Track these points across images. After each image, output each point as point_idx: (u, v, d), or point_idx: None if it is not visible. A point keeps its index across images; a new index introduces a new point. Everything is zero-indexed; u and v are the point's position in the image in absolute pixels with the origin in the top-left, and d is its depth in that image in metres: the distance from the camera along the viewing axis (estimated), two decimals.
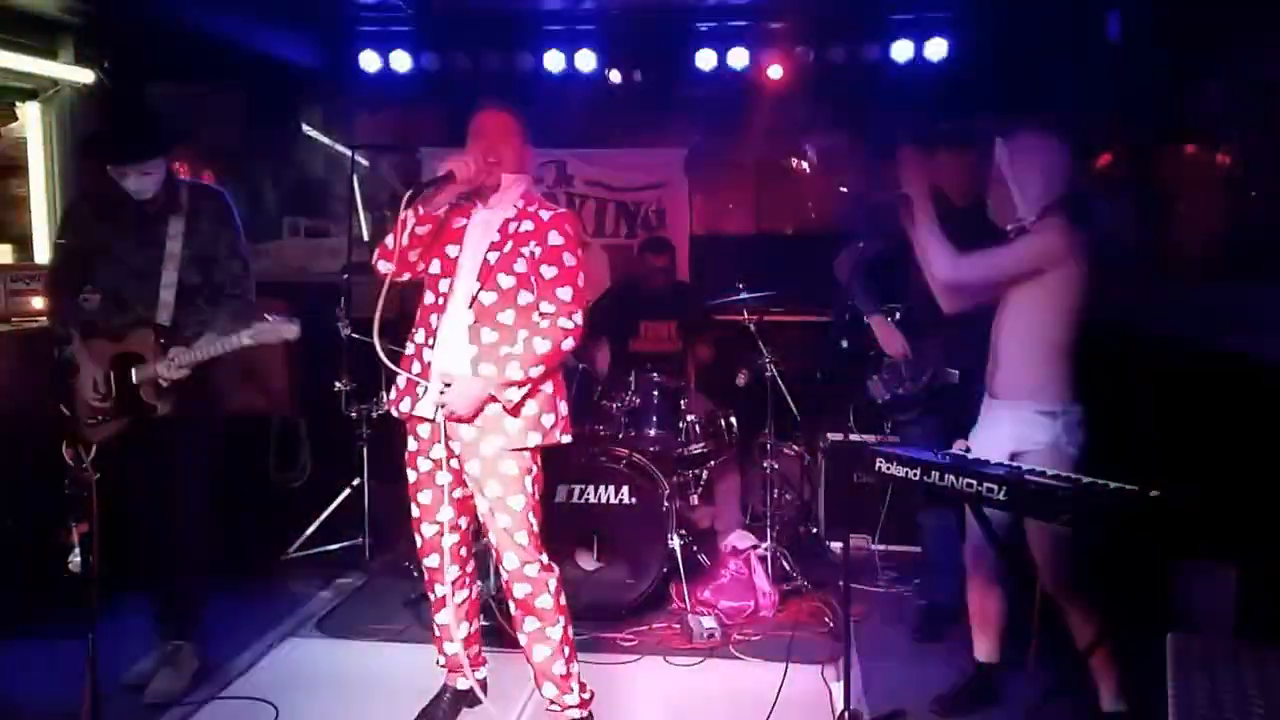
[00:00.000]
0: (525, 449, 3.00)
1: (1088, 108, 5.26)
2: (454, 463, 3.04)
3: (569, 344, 2.96)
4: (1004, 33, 5.14)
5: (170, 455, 3.45)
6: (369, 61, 5.59)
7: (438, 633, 3.28)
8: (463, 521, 3.16)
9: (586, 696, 3.16)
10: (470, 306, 2.97)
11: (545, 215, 3.02)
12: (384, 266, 2.98)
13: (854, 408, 4.23)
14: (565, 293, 2.95)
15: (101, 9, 4.68)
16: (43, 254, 4.87)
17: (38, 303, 4.58)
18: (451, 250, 3.04)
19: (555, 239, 2.99)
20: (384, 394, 4.77)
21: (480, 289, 2.97)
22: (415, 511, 3.15)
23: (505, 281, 2.97)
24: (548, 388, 3.05)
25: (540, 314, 2.96)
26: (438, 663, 3.32)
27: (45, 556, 4.08)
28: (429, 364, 3.01)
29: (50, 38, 4.74)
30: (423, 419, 3.04)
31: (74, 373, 3.33)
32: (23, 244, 5.04)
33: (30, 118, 4.90)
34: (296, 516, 4.90)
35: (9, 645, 3.85)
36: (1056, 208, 2.96)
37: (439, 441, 3.02)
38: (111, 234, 3.37)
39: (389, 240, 2.98)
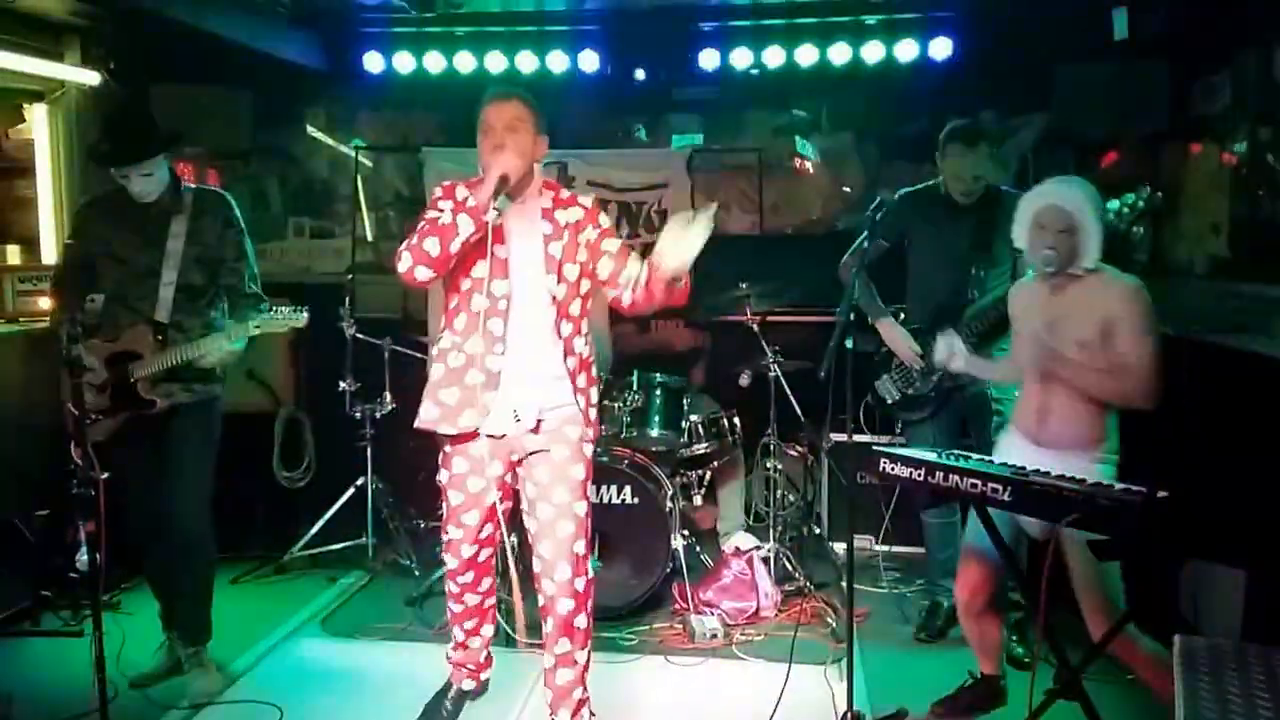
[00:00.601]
0: (587, 455, 3.03)
1: (1092, 106, 5.25)
2: (508, 476, 3.05)
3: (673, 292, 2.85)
4: (1009, 32, 5.13)
5: (173, 448, 3.46)
6: (373, 62, 5.59)
7: (461, 638, 3.27)
8: (499, 534, 3.13)
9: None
10: (552, 304, 2.90)
11: (585, 201, 3.03)
12: (424, 274, 2.80)
13: (863, 408, 4.21)
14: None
15: (107, 11, 4.69)
16: (50, 255, 4.88)
17: (45, 303, 4.60)
18: (500, 251, 2.88)
19: (605, 220, 3.02)
20: (386, 394, 4.78)
21: (555, 283, 2.90)
22: (457, 533, 3.08)
23: (571, 272, 2.94)
24: (595, 393, 3.08)
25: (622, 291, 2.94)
26: (448, 657, 3.33)
27: (53, 555, 4.12)
28: (497, 373, 2.89)
29: (57, 39, 4.76)
30: (485, 435, 2.92)
31: (82, 372, 3.33)
32: (30, 245, 5.06)
33: (37, 119, 4.91)
34: (300, 516, 4.91)
35: (17, 643, 3.87)
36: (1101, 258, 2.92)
37: (498, 458, 2.98)
38: (116, 236, 3.42)
39: (429, 245, 2.77)
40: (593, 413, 3.05)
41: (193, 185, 3.53)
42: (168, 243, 3.39)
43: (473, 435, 2.94)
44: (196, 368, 3.42)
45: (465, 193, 2.86)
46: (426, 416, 2.97)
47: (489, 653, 3.38)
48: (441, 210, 2.85)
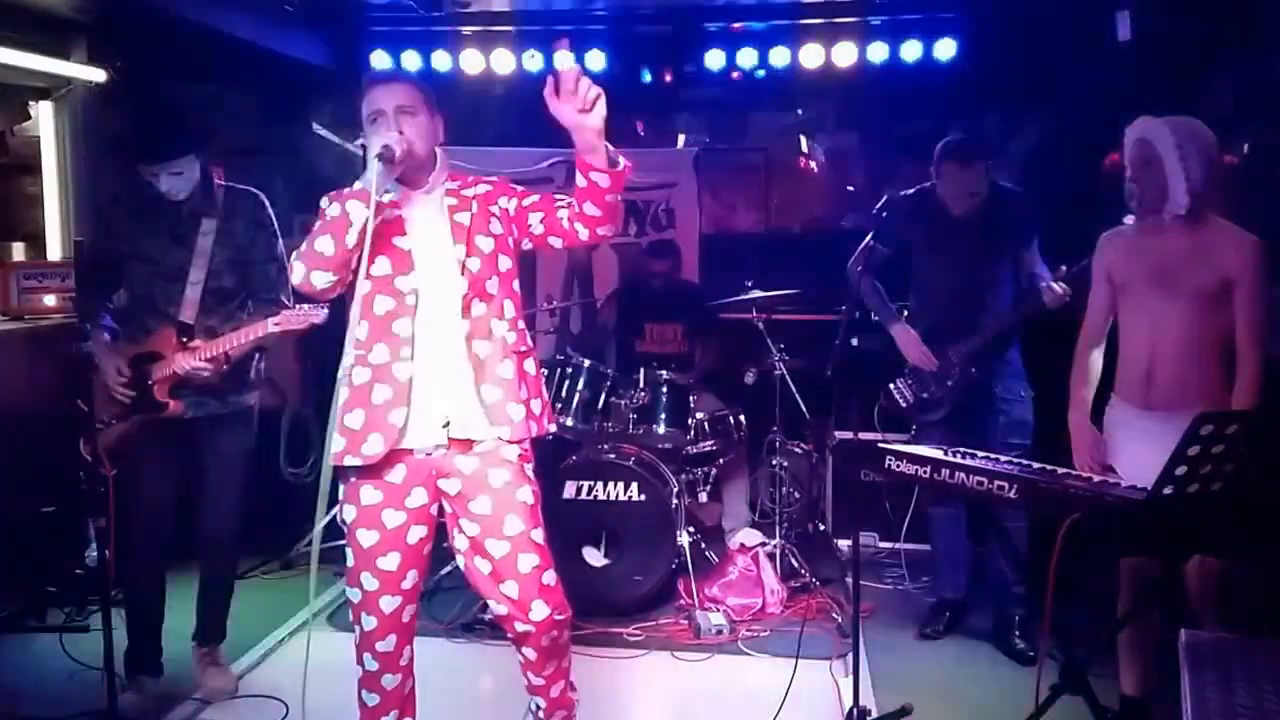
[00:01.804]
0: (529, 474, 2.65)
1: (1096, 107, 5.26)
2: (433, 508, 2.63)
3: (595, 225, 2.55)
4: (1013, 33, 5.14)
5: (205, 459, 3.44)
6: (380, 61, 5.60)
7: None
8: (419, 582, 2.68)
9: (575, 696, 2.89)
10: (462, 275, 2.55)
11: (491, 179, 2.73)
12: (321, 279, 2.45)
13: (877, 409, 4.21)
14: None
15: (113, 7, 4.70)
16: (56, 252, 4.89)
17: (50, 300, 4.61)
18: (401, 242, 2.55)
19: (518, 187, 2.71)
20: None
21: (466, 256, 2.56)
22: (371, 584, 2.56)
23: (484, 244, 2.59)
24: (523, 391, 2.64)
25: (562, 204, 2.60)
26: None
27: (59, 551, 4.13)
28: (407, 381, 2.51)
29: (63, 36, 4.76)
30: (403, 455, 2.55)
31: (92, 369, 3.34)
32: (36, 242, 5.06)
33: (43, 116, 4.92)
34: (307, 511, 4.90)
35: (22, 638, 3.87)
36: (1213, 198, 2.78)
37: (421, 484, 2.59)
38: (144, 235, 3.33)
39: (322, 245, 2.42)
40: (535, 404, 2.67)
41: (224, 184, 3.43)
42: (198, 242, 3.31)
43: (386, 460, 2.53)
44: (231, 378, 3.36)
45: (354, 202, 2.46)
46: (334, 450, 2.52)
47: None
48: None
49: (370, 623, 2.61)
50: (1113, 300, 3.05)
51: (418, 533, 2.60)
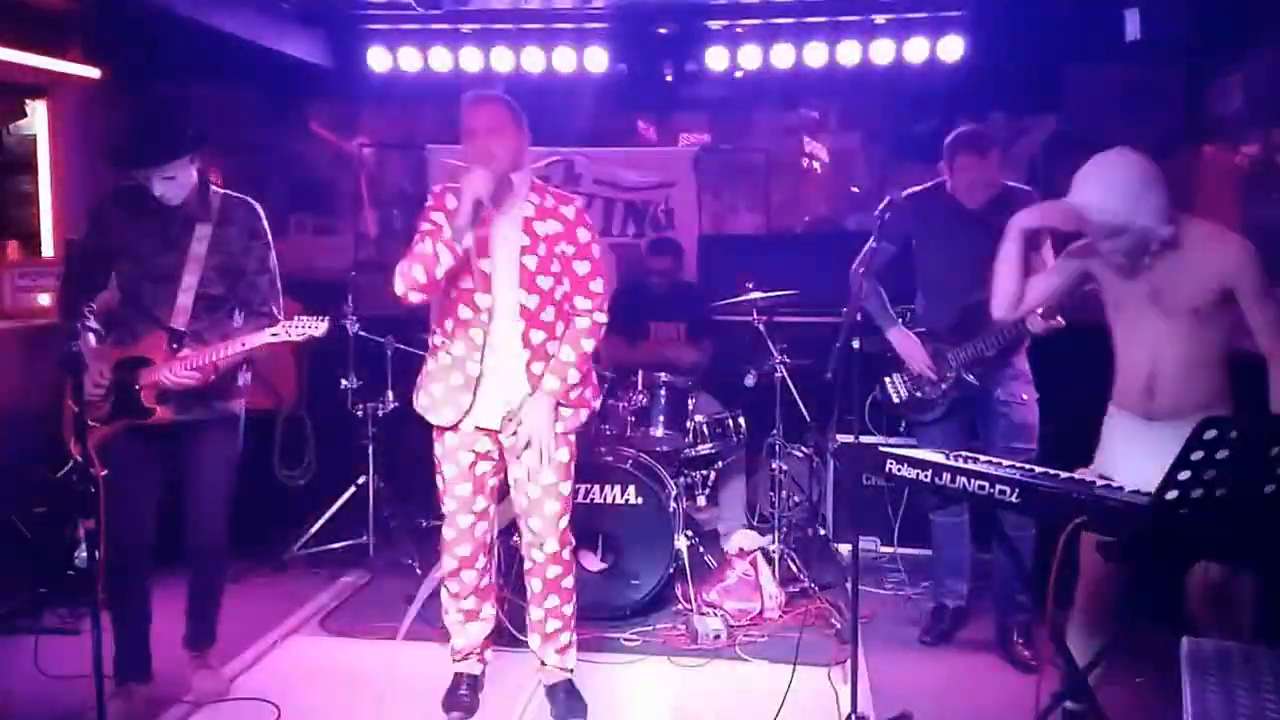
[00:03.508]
0: (569, 440, 3.18)
1: (1104, 108, 5.22)
2: (494, 452, 3.20)
3: (600, 334, 3.17)
4: (1019, 32, 5.09)
5: (191, 465, 3.40)
6: (378, 59, 5.57)
7: (462, 618, 3.32)
8: (491, 509, 3.30)
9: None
10: (520, 317, 3.06)
11: (567, 211, 3.11)
12: (416, 297, 3.01)
13: (869, 402, 4.17)
14: (597, 285, 3.12)
15: (110, 6, 4.67)
16: (50, 251, 4.86)
17: (44, 300, 4.59)
18: (484, 265, 3.06)
19: (584, 235, 3.11)
20: (389, 393, 4.76)
21: (524, 295, 3.06)
22: (451, 505, 3.24)
23: (544, 283, 3.08)
24: (584, 390, 3.22)
25: (576, 310, 3.12)
26: (452, 650, 3.36)
27: (50, 553, 4.09)
28: (478, 377, 3.09)
29: (58, 35, 4.74)
30: (471, 427, 3.13)
31: (82, 370, 3.29)
32: (29, 241, 5.04)
33: (38, 115, 4.90)
34: (301, 514, 4.88)
35: (13, 640, 3.84)
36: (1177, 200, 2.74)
37: (485, 434, 3.16)
38: (136, 236, 3.28)
39: (416, 272, 2.95)
40: (585, 404, 3.23)
41: (221, 190, 3.39)
42: (191, 247, 3.26)
43: (455, 426, 3.14)
44: (218, 384, 3.31)
45: (454, 201, 2.98)
46: (418, 404, 3.20)
47: (490, 633, 3.40)
48: (433, 223, 3.04)
49: (451, 532, 3.25)
50: (1077, 279, 2.99)
51: (483, 467, 3.20)
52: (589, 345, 3.12)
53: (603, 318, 3.14)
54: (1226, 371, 2.76)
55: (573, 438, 3.21)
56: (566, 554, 3.26)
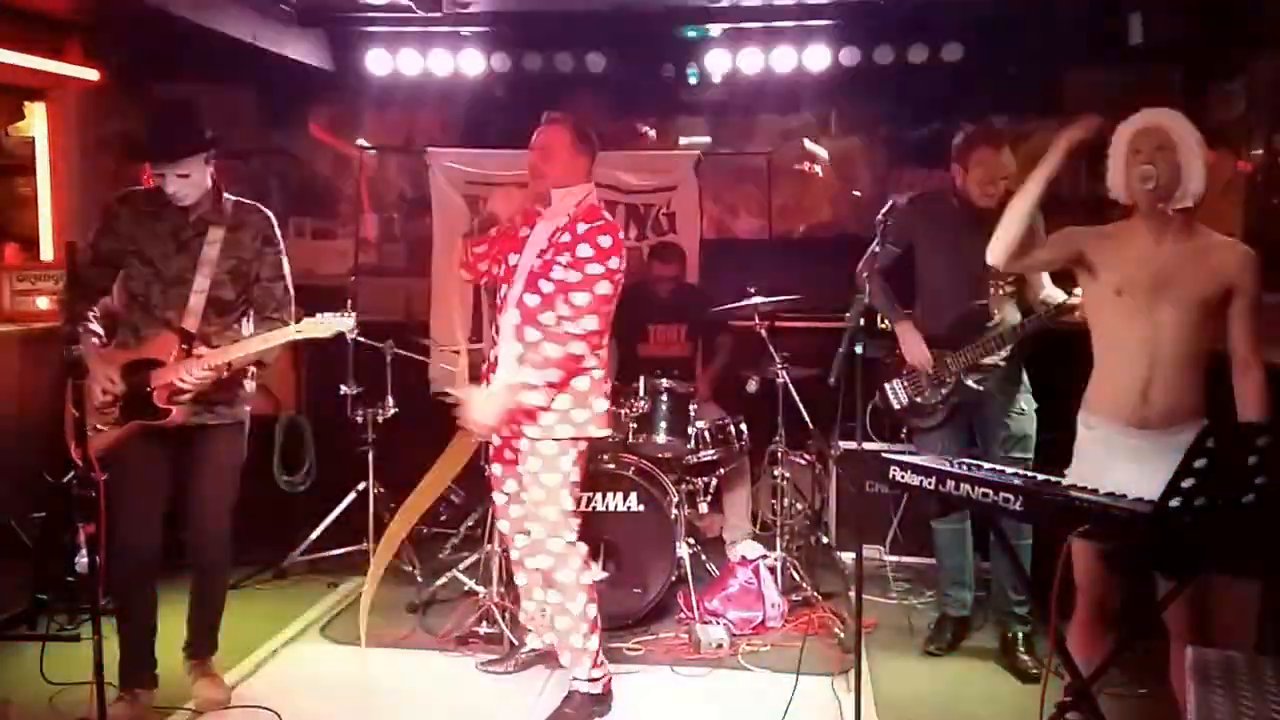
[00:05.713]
0: (558, 439, 3.26)
1: (1105, 111, 5.20)
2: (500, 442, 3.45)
3: (578, 348, 3.16)
4: (1020, 36, 5.08)
5: (194, 471, 3.38)
6: (378, 62, 5.56)
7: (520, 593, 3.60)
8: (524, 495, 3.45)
9: (599, 675, 3.37)
10: (516, 307, 3.25)
11: (582, 228, 3.23)
12: (464, 275, 3.46)
13: (869, 408, 4.15)
14: (579, 298, 3.16)
15: (109, 8, 4.66)
16: (49, 254, 4.85)
17: (43, 303, 4.57)
18: (513, 259, 3.34)
19: (584, 251, 3.19)
20: (388, 398, 4.74)
21: (524, 292, 3.24)
22: (493, 481, 3.52)
23: (546, 286, 3.22)
24: (581, 383, 3.25)
25: (557, 316, 3.17)
26: (523, 612, 3.70)
27: (50, 558, 4.07)
28: (494, 360, 3.37)
29: (58, 37, 4.73)
30: None
31: (83, 374, 3.27)
32: (29, 244, 5.02)
33: (38, 117, 4.88)
34: (300, 521, 4.86)
35: (13, 647, 3.82)
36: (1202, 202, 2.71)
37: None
38: (148, 237, 3.28)
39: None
40: (565, 403, 3.26)
41: (233, 196, 3.39)
42: (203, 251, 3.26)
43: None
44: (226, 390, 3.31)
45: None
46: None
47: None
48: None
49: (494, 506, 3.61)
50: (1070, 258, 2.92)
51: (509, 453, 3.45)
52: (552, 351, 3.14)
53: (575, 329, 3.14)
54: (1208, 379, 2.74)
55: (564, 441, 3.26)
56: (556, 545, 3.34)
